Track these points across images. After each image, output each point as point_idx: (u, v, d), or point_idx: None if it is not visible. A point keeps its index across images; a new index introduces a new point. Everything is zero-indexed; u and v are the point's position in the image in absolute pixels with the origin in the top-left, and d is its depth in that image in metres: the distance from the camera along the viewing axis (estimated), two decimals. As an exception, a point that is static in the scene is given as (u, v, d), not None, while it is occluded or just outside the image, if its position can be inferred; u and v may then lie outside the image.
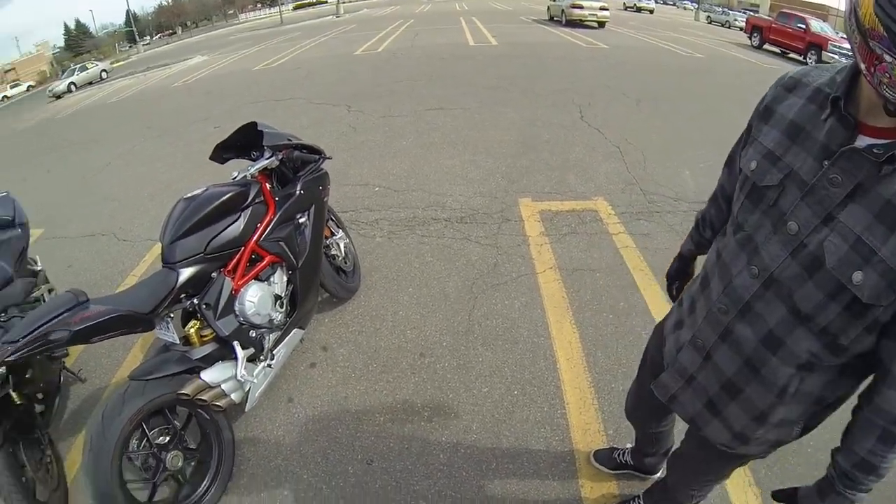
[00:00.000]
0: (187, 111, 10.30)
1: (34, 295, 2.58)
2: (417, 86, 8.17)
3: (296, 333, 2.56)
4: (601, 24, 17.76)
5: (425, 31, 15.16)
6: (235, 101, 9.76)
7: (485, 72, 8.53)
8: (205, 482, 2.30)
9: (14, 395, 2.28)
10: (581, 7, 17.73)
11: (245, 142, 2.53)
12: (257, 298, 2.30)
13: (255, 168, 2.34)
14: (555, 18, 19.62)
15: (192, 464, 2.31)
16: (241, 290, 2.29)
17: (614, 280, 3.06)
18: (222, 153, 2.58)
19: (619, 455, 2.07)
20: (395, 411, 2.51)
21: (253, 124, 2.43)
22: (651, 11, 30.88)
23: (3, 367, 2.18)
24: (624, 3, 32.85)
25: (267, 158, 2.38)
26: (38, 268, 3.32)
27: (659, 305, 2.85)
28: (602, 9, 17.71)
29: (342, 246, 3.15)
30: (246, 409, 2.36)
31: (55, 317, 1.79)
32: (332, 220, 3.12)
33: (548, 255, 3.34)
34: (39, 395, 2.65)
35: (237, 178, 2.35)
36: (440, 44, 12.06)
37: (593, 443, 2.18)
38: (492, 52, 10.82)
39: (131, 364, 3.36)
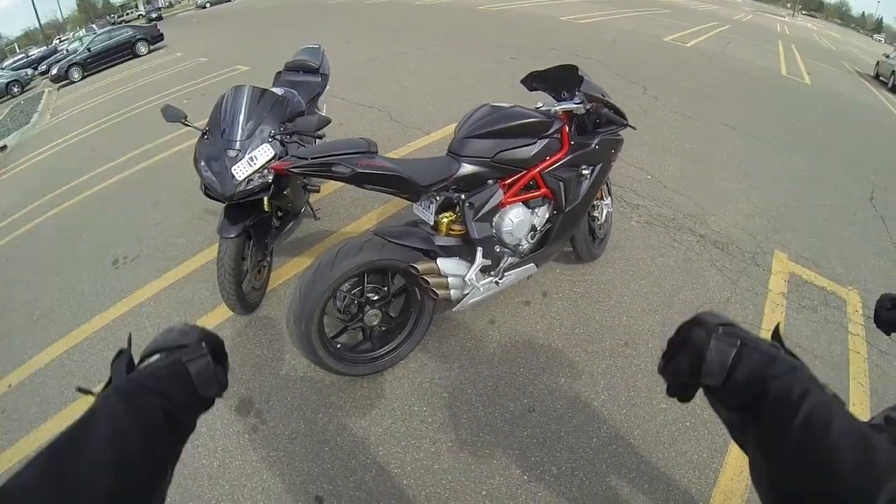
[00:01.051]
0: (486, 34, 10.86)
1: (318, 133, 2.87)
2: (716, 94, 7.62)
3: (530, 267, 2.64)
4: (937, 101, 14.57)
5: (739, 42, 13.91)
6: (535, 42, 9.99)
7: (788, 110, 7.68)
8: (385, 348, 2.57)
9: (266, 201, 2.73)
10: (918, 73, 14.69)
11: (559, 80, 2.58)
12: (518, 220, 2.40)
13: (562, 107, 2.39)
14: (881, 77, 16.35)
15: (383, 328, 2.55)
16: (508, 206, 2.40)
17: (828, 377, 2.68)
18: (534, 81, 2.67)
19: None
20: (578, 379, 2.54)
21: (574, 67, 2.47)
22: None
23: (272, 175, 2.61)
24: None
25: (576, 103, 2.40)
26: (323, 113, 3.82)
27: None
28: None
29: (605, 213, 3.16)
30: (454, 310, 2.52)
31: (346, 153, 1.99)
32: (606, 185, 3.12)
33: (779, 317, 3.06)
34: (280, 213, 3.13)
35: (541, 109, 2.42)
36: (752, 62, 11.01)
37: (726, 515, 2.03)
38: (802, 90, 9.61)
39: (362, 224, 3.85)
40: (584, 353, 2.69)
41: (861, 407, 2.61)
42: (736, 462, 2.20)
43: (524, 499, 2.05)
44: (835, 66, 16.17)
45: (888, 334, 1.08)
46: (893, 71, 15.37)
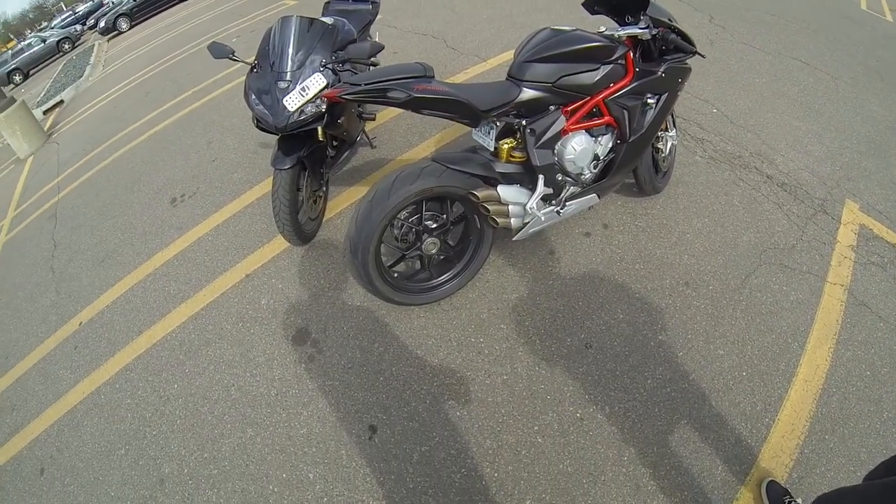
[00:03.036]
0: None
1: (372, 60, 2.78)
2: (788, 25, 7.05)
3: (592, 198, 2.55)
4: None
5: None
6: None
7: (867, 48, 7.07)
8: (443, 277, 2.56)
9: (320, 131, 2.66)
10: None
11: (623, 2, 2.41)
12: (581, 148, 2.30)
13: (626, 31, 2.25)
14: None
15: (441, 257, 2.52)
16: (570, 133, 2.30)
17: (894, 340, 2.59)
18: (595, 4, 2.51)
19: (789, 502, 1.84)
20: (636, 315, 2.47)
21: None
22: None
23: (326, 104, 2.57)
24: None
25: (641, 28, 2.25)
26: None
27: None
28: None
29: (669, 145, 3.00)
30: (514, 238, 2.46)
31: (401, 78, 1.91)
32: (671, 116, 2.96)
33: (845, 272, 2.88)
34: (335, 143, 3.09)
35: (605, 33, 2.28)
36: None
37: (774, 471, 1.97)
38: (883, 27, 8.79)
39: (419, 152, 3.76)
40: (643, 291, 2.60)
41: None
42: (789, 419, 2.12)
43: (575, 436, 2.04)
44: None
45: None
46: None
